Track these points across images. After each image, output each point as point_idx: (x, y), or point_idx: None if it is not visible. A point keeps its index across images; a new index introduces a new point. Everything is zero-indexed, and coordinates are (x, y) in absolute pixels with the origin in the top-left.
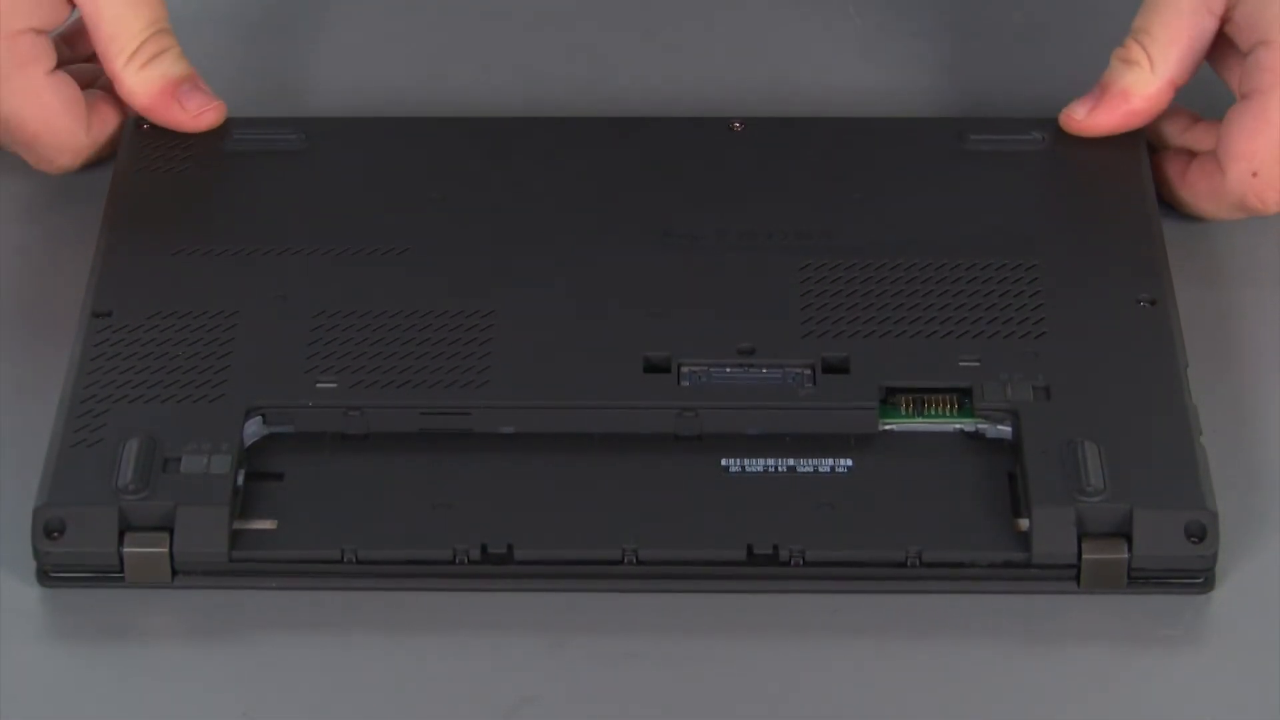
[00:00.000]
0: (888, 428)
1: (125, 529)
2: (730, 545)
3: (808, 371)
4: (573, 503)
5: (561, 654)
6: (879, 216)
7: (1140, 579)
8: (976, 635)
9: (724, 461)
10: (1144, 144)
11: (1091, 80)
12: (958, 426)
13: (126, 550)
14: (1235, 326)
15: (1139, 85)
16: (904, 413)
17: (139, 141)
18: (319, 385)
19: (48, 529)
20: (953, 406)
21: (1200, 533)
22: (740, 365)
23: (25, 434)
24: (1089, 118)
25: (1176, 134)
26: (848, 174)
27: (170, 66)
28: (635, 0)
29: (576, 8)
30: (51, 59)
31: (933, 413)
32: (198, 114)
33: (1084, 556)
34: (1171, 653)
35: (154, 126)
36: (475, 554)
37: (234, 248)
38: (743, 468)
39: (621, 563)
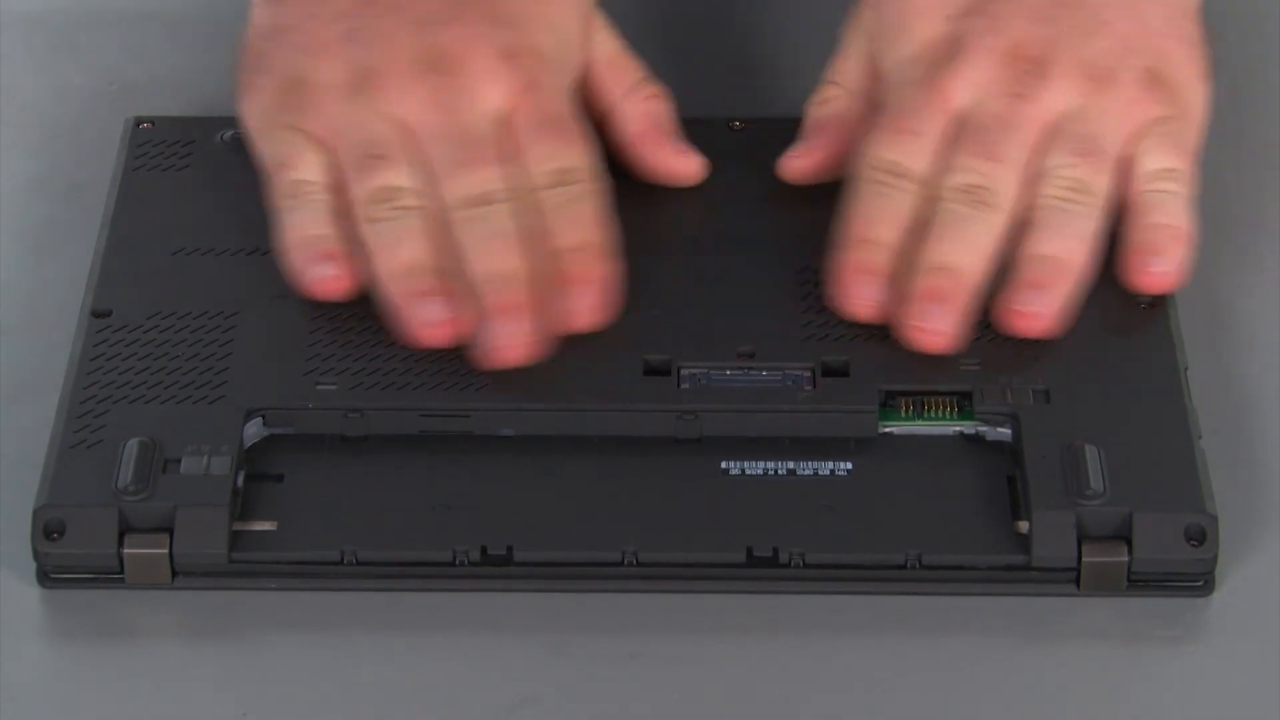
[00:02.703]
0: (887, 430)
1: (125, 530)
2: (730, 547)
3: (807, 374)
4: (573, 505)
5: (561, 655)
6: None
7: (1140, 582)
8: (976, 636)
9: (724, 464)
10: None
11: None
12: (957, 429)
13: (126, 551)
14: (1235, 328)
15: (843, 109)
16: (904, 415)
17: (139, 141)
18: (319, 387)
19: (48, 530)
20: (952, 409)
21: (1200, 536)
22: (740, 368)
23: (25, 434)
24: (801, 158)
25: None
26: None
27: (663, 107)
28: (635, 1)
29: None
30: None
31: (932, 415)
32: (678, 154)
33: (1084, 559)
34: (1171, 653)
35: (154, 126)
36: (475, 555)
37: (234, 248)
38: (742, 470)
39: (621, 564)
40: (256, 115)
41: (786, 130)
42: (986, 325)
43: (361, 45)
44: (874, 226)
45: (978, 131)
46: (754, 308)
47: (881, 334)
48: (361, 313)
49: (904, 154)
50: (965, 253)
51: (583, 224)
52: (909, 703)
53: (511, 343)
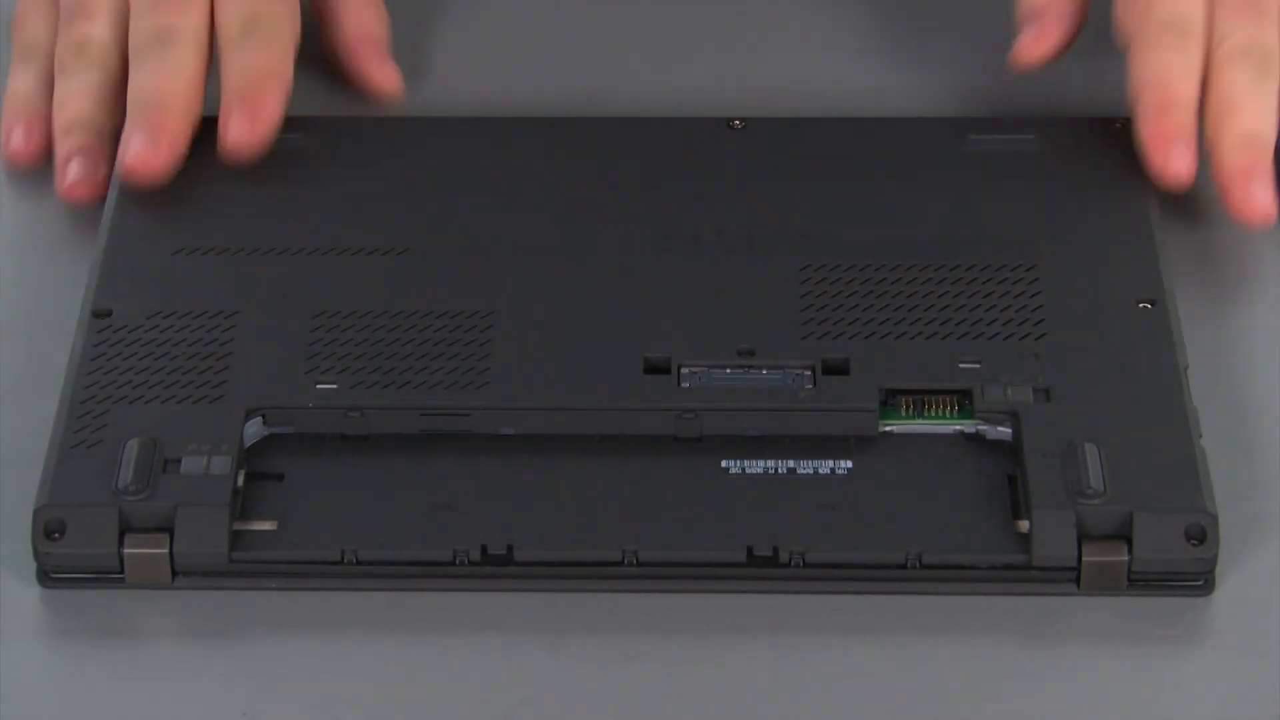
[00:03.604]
0: (888, 429)
1: (125, 530)
2: (730, 546)
3: (808, 373)
4: (573, 504)
5: (561, 654)
6: (879, 217)
7: (1140, 581)
8: (976, 636)
9: (724, 463)
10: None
11: (1097, 80)
12: (958, 428)
13: (127, 551)
14: (1235, 327)
15: None
16: (904, 414)
17: None
18: (319, 386)
19: (48, 530)
20: (953, 408)
21: (1200, 535)
22: (740, 366)
23: (25, 434)
24: (1038, 41)
25: None
26: (848, 174)
27: (379, 16)
28: (636, 1)
29: (576, 7)
30: None
31: (933, 414)
32: (381, 66)
33: (1084, 559)
34: (1171, 653)
35: None
36: (475, 555)
37: (234, 248)
38: (743, 469)
39: (621, 563)
40: None
41: (786, 129)
42: (987, 324)
43: None
44: (1175, 86)
45: None
46: (754, 306)
47: (881, 332)
48: (362, 311)
49: (1187, 6)
50: (1266, 121)
51: (259, 52)
52: (909, 703)
53: (140, 159)
